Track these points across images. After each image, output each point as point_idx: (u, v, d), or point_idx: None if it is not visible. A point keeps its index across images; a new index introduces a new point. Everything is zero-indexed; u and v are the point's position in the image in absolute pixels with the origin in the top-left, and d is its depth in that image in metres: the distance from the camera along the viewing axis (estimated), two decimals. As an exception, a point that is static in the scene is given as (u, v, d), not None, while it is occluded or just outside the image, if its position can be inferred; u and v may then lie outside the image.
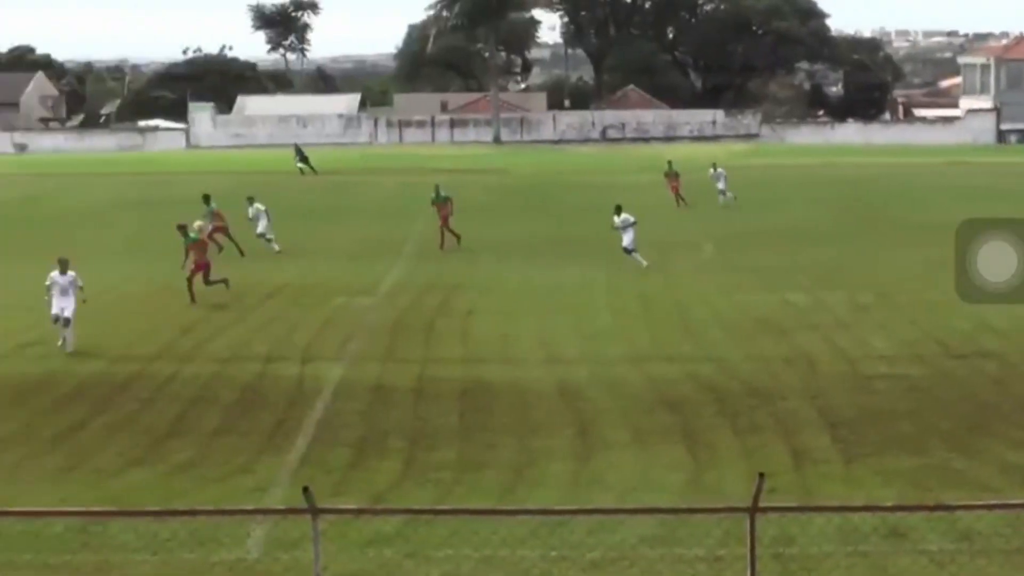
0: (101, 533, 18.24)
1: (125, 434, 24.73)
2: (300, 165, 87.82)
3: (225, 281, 38.83)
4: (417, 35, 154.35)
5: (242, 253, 46.48)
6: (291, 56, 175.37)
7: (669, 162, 65.09)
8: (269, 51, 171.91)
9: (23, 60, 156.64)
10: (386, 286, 41.47)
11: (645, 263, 42.85)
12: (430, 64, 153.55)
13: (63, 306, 32.00)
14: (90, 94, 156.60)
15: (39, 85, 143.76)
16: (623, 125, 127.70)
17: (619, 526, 18.62)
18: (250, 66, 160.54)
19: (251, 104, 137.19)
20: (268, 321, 35.72)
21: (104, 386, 28.35)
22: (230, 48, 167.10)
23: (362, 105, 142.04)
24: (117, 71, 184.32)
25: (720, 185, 63.67)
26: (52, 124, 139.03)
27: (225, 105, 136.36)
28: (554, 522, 18.54)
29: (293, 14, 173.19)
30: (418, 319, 35.94)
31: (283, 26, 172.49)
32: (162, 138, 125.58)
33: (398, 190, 60.05)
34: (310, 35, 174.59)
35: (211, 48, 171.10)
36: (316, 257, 47.28)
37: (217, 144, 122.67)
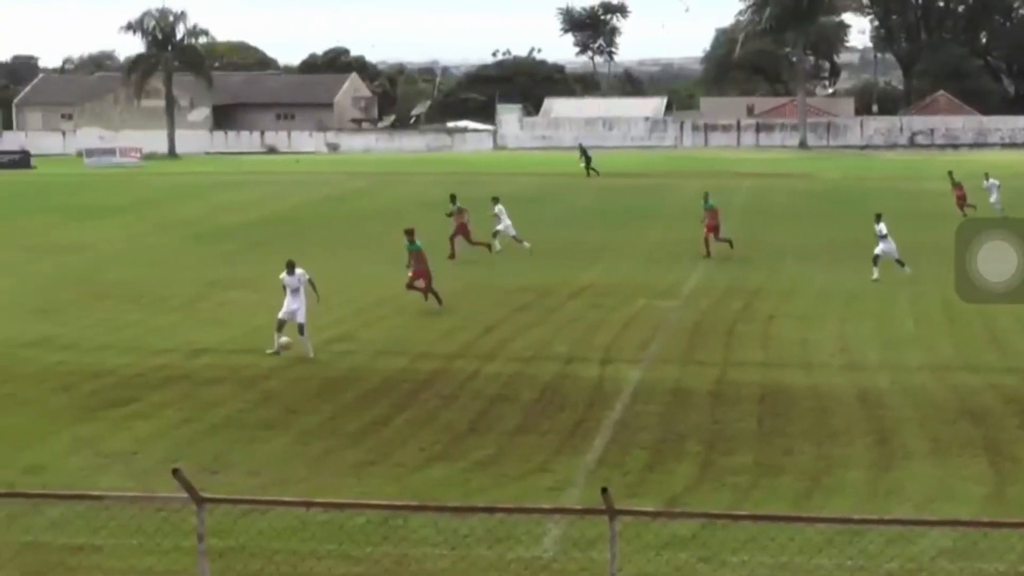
0: (402, 527, 18.55)
1: (426, 430, 25.14)
2: (583, 166, 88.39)
3: (437, 297, 37.29)
4: (725, 39, 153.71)
5: (489, 248, 47.94)
6: (598, 59, 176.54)
7: (950, 172, 63.22)
8: (577, 54, 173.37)
9: (337, 62, 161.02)
10: (687, 289, 41.34)
11: (876, 276, 41.99)
12: (737, 68, 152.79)
13: (293, 309, 31.58)
14: (401, 95, 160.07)
15: (352, 87, 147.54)
16: (931, 131, 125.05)
17: (918, 538, 18.17)
18: (558, 68, 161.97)
19: (558, 106, 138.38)
20: (569, 321, 35.93)
21: (407, 383, 28.89)
22: (539, 51, 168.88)
23: (668, 108, 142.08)
24: (428, 73, 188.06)
25: (992, 198, 61.04)
26: (364, 125, 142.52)
27: (532, 107, 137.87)
28: (851, 531, 18.17)
29: (602, 17, 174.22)
30: (719, 322, 35.72)
31: (592, 29, 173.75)
32: (470, 139, 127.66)
33: (702, 194, 59.78)
34: (618, 38, 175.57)
35: (520, 50, 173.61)
36: (619, 258, 47.40)
37: (523, 145, 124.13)
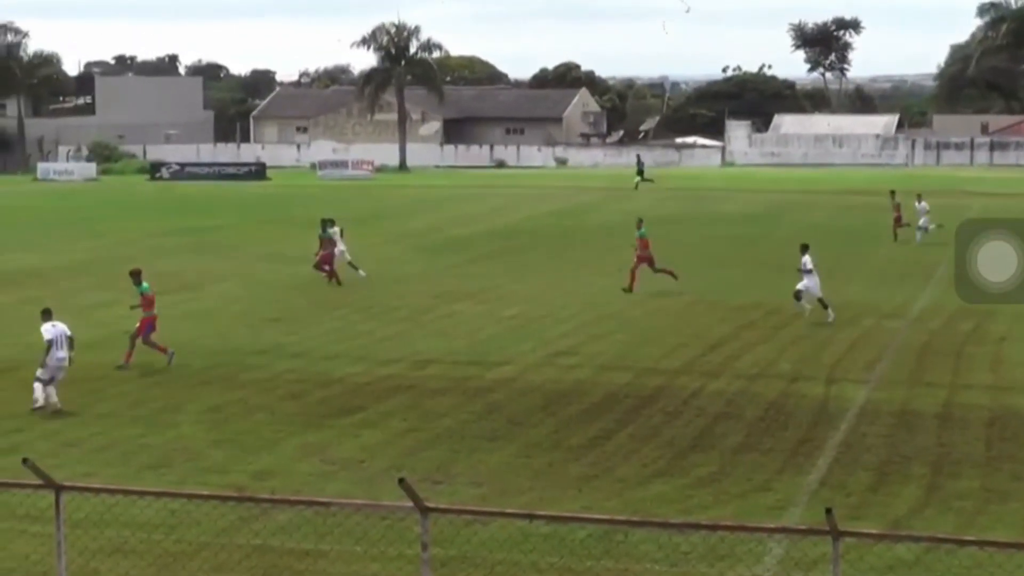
0: (623, 542, 18.55)
1: (649, 446, 25.12)
2: (637, 178, 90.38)
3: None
4: (960, 55, 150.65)
5: (339, 283, 45.28)
6: (829, 75, 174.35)
7: (892, 192, 60.37)
8: (809, 70, 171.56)
9: (567, 76, 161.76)
10: (917, 309, 40.63)
11: (806, 308, 38.40)
12: (971, 85, 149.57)
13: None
14: (630, 110, 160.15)
15: (581, 101, 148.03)
16: None
17: None
18: (788, 85, 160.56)
19: (787, 123, 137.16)
20: (796, 340, 35.58)
21: (631, 398, 28.89)
22: (769, 67, 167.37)
23: (899, 126, 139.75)
24: (657, 88, 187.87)
25: (921, 221, 58.84)
26: (592, 139, 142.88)
27: (762, 123, 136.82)
28: (1085, 563, 17.67)
29: (834, 33, 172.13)
30: (947, 344, 35.02)
31: (823, 45, 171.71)
32: (698, 155, 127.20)
33: (932, 214, 58.68)
34: (850, 54, 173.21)
35: (750, 66, 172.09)
36: (848, 277, 46.74)
37: (751, 162, 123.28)
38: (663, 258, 44.01)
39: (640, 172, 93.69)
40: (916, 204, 60.10)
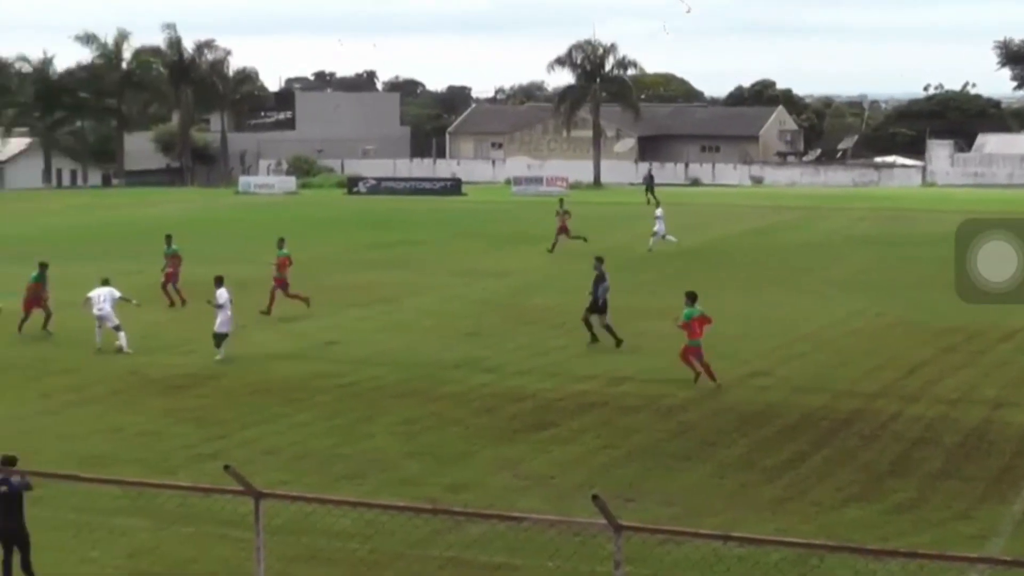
0: (817, 566, 18.29)
1: (845, 470, 24.77)
2: (648, 195, 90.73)
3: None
4: None
5: (172, 303, 43.48)
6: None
7: (561, 200, 58.49)
8: (1015, 88, 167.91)
9: (764, 94, 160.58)
10: (1125, 336, 39.48)
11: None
12: None
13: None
14: (828, 129, 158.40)
15: (778, 119, 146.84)
16: None
17: None
18: (993, 103, 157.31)
19: (992, 142, 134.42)
20: (999, 365, 34.78)
21: (826, 420, 28.52)
22: (973, 85, 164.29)
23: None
24: (856, 107, 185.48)
25: (656, 227, 61.78)
26: (789, 158, 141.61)
27: (964, 143, 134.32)
28: None
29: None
30: None
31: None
32: (897, 175, 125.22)
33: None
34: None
35: (953, 85, 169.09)
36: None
37: (953, 182, 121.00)
38: (832, 283, 43.33)
39: (650, 189, 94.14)
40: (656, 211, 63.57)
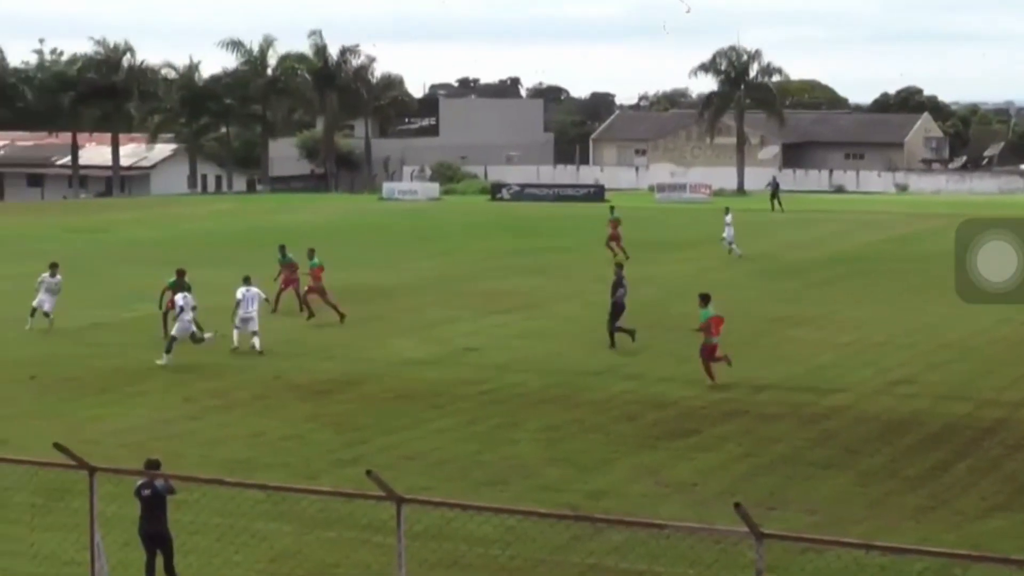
0: (961, 576, 18.14)
1: (988, 479, 24.46)
2: (773, 200, 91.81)
3: None
4: None
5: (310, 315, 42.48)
6: None
7: (611, 207, 56.50)
8: None
9: (910, 101, 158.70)
10: None
11: None
12: None
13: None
14: (974, 136, 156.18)
15: (924, 127, 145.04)
16: None
17: None
18: None
19: None
20: None
21: (970, 429, 28.16)
22: None
23: None
24: (1003, 114, 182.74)
25: (726, 234, 62.58)
26: (934, 165, 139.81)
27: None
28: None
29: None
30: None
31: None
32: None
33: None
34: None
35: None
36: None
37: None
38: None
39: (775, 195, 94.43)
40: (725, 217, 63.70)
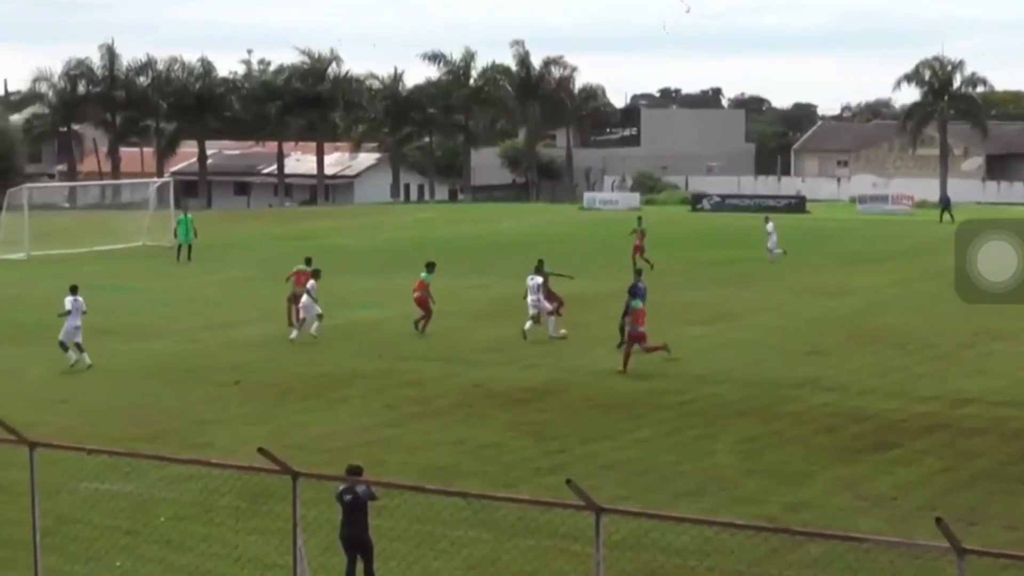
0: None
1: None
2: (944, 213, 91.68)
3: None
4: None
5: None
6: None
7: (639, 218, 52.66)
8: None
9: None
10: None
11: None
12: None
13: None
14: None
15: None
16: None
17: None
18: None
19: None
20: None
21: None
22: None
23: None
24: None
25: (770, 243, 63.79)
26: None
27: None
28: None
29: None
30: None
31: None
32: None
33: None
34: None
35: None
36: None
37: None
38: None
39: (946, 209, 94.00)
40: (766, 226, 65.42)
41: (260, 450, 16.29)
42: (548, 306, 41.55)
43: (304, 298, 41.30)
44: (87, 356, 36.79)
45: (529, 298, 41.64)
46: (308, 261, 44.83)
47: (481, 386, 34.09)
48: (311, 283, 41.48)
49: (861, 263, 62.98)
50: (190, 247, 65.50)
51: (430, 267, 43.53)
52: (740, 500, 23.65)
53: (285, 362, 37.67)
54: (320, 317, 41.31)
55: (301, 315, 41.48)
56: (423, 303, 42.40)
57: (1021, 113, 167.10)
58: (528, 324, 40.96)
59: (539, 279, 41.95)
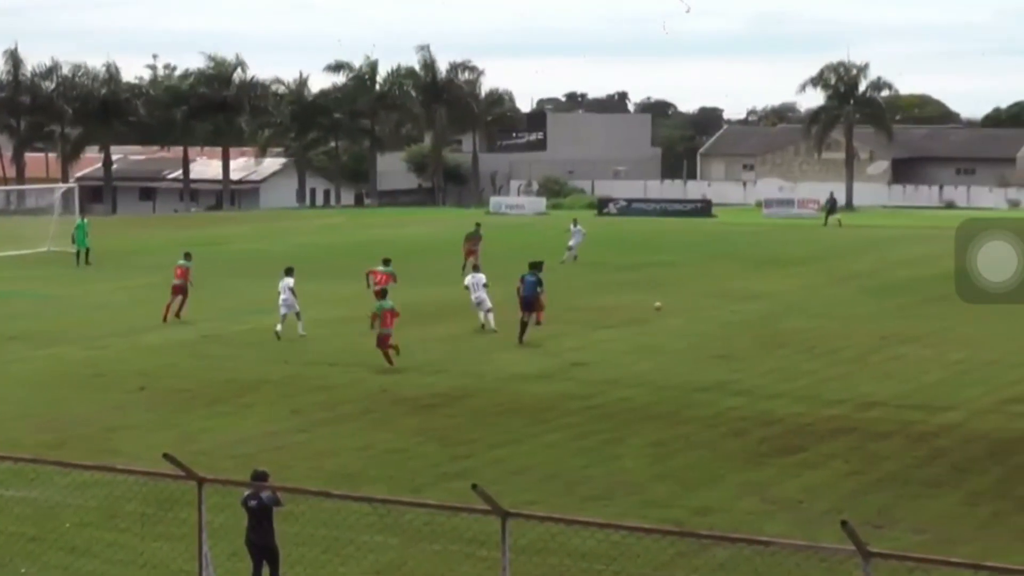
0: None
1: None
2: (828, 216, 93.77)
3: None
4: None
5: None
6: None
7: (477, 224, 54.79)
8: None
9: (1022, 116, 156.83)
10: None
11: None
12: None
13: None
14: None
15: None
16: None
17: None
18: None
19: None
20: None
21: (1085, 449, 27.78)
22: None
23: None
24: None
25: (570, 242, 65.42)
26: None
27: None
28: None
29: None
30: None
31: None
32: None
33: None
34: None
35: None
36: None
37: None
38: None
39: (831, 211, 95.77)
40: (571, 227, 67.31)
41: (166, 456, 16.12)
42: (489, 303, 42.65)
43: (286, 295, 41.42)
44: None
45: (473, 295, 43.01)
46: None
47: (388, 391, 33.92)
48: (290, 280, 41.83)
49: (768, 267, 63.35)
50: (88, 251, 65.34)
51: (387, 262, 46.00)
52: (647, 504, 23.64)
53: (191, 368, 37.31)
54: (299, 315, 41.56)
55: (283, 311, 41.45)
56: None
57: (926, 117, 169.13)
58: (484, 316, 42.77)
59: (482, 276, 43.46)
